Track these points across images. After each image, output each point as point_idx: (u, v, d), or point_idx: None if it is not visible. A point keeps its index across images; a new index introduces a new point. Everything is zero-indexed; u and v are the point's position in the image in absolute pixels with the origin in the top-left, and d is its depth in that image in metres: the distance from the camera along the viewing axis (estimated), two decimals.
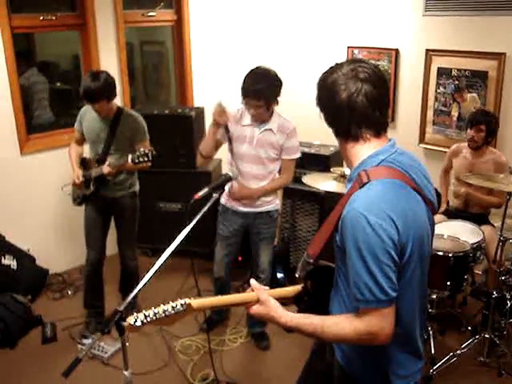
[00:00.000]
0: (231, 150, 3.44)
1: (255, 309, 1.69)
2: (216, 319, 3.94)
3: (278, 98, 3.38)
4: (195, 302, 1.64)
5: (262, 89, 3.20)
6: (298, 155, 3.50)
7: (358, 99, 1.56)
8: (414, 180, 1.59)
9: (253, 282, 1.75)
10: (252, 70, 3.30)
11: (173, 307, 1.61)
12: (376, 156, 1.59)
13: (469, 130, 3.87)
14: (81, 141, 3.84)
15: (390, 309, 1.51)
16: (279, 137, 3.37)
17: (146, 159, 3.43)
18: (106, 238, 3.88)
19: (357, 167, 1.62)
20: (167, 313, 1.60)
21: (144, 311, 1.61)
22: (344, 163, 1.98)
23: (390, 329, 1.52)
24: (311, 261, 1.73)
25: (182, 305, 1.61)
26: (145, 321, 1.59)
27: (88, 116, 3.68)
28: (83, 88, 3.41)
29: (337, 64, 1.66)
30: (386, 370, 1.68)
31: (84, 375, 3.12)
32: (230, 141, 3.41)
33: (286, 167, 3.48)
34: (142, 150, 3.43)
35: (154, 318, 1.60)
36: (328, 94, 1.61)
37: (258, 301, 1.69)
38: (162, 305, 1.62)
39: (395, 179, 1.54)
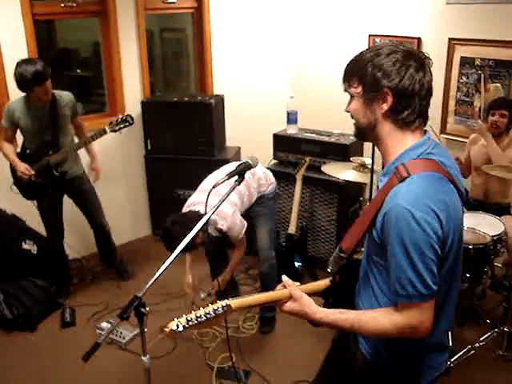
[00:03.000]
0: None
1: (288, 305, 1.68)
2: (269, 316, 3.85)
3: None
4: (234, 303, 1.61)
5: None
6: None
7: (424, 87, 1.55)
8: (449, 172, 1.57)
9: (284, 278, 1.72)
10: None
11: (214, 310, 1.58)
12: (416, 149, 1.57)
13: (490, 117, 3.82)
14: (11, 138, 3.88)
15: (430, 302, 1.51)
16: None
17: (127, 124, 3.71)
18: (62, 219, 4.13)
19: (395, 160, 1.59)
20: (209, 316, 1.57)
21: (185, 315, 1.57)
22: (368, 152, 1.94)
23: (429, 322, 1.52)
24: (344, 255, 1.71)
25: (223, 307, 1.59)
26: (187, 325, 1.56)
27: (20, 109, 3.73)
28: (30, 73, 3.46)
29: (395, 45, 1.59)
30: (413, 362, 1.68)
31: (102, 360, 3.16)
32: None
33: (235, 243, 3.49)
34: (119, 116, 3.72)
35: (196, 321, 1.56)
36: (403, 77, 1.53)
37: (290, 297, 1.67)
38: (201, 308, 1.59)
39: (434, 172, 1.52)
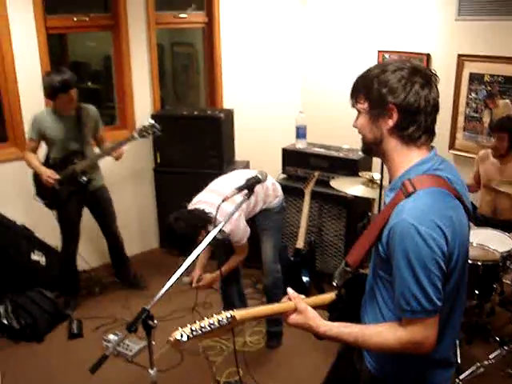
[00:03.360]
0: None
1: (293, 318, 1.68)
2: (277, 331, 3.82)
3: None
4: (239, 314, 1.62)
5: None
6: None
7: (430, 104, 1.56)
8: (456, 188, 1.58)
9: (290, 290, 1.73)
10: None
11: (219, 320, 1.58)
12: (422, 164, 1.58)
13: (493, 139, 3.83)
14: (36, 149, 3.96)
15: (435, 318, 1.51)
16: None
17: (154, 130, 3.76)
18: (80, 229, 4.19)
19: (401, 175, 1.60)
20: (213, 326, 1.58)
21: (190, 325, 1.57)
22: (377, 168, 1.94)
23: (433, 338, 1.52)
24: (350, 269, 1.71)
25: (227, 318, 1.59)
26: (191, 335, 1.56)
27: (47, 120, 3.85)
28: (58, 80, 3.63)
29: (402, 62, 1.61)
30: (417, 377, 1.67)
31: (109, 372, 3.14)
32: None
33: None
34: (147, 122, 3.76)
35: (201, 332, 1.57)
36: (408, 94, 1.55)
37: (295, 310, 1.68)
38: (206, 318, 1.59)
39: (440, 188, 1.53)
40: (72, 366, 3.54)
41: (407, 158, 1.61)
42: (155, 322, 1.82)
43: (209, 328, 1.57)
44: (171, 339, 1.58)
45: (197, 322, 1.59)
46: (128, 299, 4.30)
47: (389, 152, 1.64)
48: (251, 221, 3.56)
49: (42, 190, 3.95)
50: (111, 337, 3.72)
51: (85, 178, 3.93)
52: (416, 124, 1.57)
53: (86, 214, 4.20)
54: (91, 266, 4.68)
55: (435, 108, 1.59)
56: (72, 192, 3.95)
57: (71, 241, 4.14)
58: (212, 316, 1.60)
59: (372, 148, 1.68)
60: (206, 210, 3.08)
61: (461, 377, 3.25)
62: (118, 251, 4.48)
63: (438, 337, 1.54)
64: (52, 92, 3.68)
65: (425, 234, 1.45)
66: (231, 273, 3.68)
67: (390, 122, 1.58)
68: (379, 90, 1.57)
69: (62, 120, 3.85)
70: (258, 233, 3.63)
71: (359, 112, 1.66)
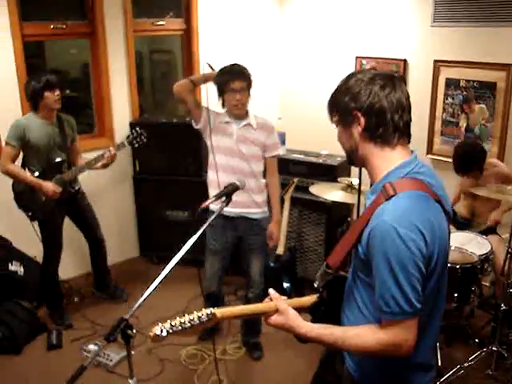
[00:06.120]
0: (211, 146, 3.43)
1: (274, 319, 1.68)
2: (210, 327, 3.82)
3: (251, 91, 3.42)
4: (219, 312, 1.63)
5: (242, 69, 3.35)
6: (281, 152, 3.57)
7: (393, 103, 1.60)
8: (436, 192, 1.60)
9: (271, 291, 1.74)
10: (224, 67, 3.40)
11: (199, 317, 1.60)
12: (402, 168, 1.60)
13: (460, 177, 3.94)
14: (16, 158, 3.73)
15: (414, 320, 1.52)
16: (260, 133, 3.39)
17: (142, 138, 3.85)
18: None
19: (382, 179, 1.61)
20: (193, 322, 1.59)
21: (170, 321, 1.59)
22: (354, 173, 1.96)
23: (413, 341, 1.53)
24: (331, 271, 1.72)
25: (207, 314, 1.60)
26: (170, 331, 1.58)
27: (32, 126, 3.69)
28: (43, 80, 3.60)
29: (365, 71, 1.68)
30: (397, 380, 1.68)
31: (89, 383, 3.11)
32: (209, 134, 3.44)
33: (271, 166, 3.49)
34: (134, 131, 3.83)
35: (180, 327, 1.58)
36: (369, 96, 1.59)
37: (276, 310, 1.68)
38: (186, 314, 1.60)
39: (420, 191, 1.55)
40: (51, 377, 3.49)
41: (385, 161, 1.63)
42: (134, 331, 1.80)
43: (189, 324, 1.59)
44: (151, 334, 1.59)
45: (177, 318, 1.60)
46: (108, 309, 4.26)
47: (366, 157, 1.66)
48: (237, 240, 3.56)
49: (25, 201, 3.82)
50: (91, 347, 3.68)
51: (75, 187, 3.88)
52: (384, 124, 1.60)
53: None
54: (69, 276, 4.62)
55: (402, 107, 1.62)
56: (60, 202, 3.84)
57: (56, 251, 4.03)
58: (192, 313, 1.61)
59: (352, 157, 1.72)
60: None
61: (441, 379, 3.28)
62: (100, 260, 4.39)
63: (418, 340, 1.55)
64: (38, 91, 3.60)
65: (404, 236, 1.46)
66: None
67: (359, 128, 1.62)
68: (343, 99, 1.63)
69: (46, 127, 3.74)
70: (245, 252, 3.60)
71: (336, 126, 1.71)
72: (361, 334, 1.57)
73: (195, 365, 3.61)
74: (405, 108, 1.63)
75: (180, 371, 3.56)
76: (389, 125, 1.60)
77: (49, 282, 4.08)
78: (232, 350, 3.78)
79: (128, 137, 3.93)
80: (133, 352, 1.89)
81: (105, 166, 3.87)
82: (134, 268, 4.98)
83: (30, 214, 3.86)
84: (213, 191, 3.40)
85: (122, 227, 5.07)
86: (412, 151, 1.67)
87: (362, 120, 1.61)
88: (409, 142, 1.68)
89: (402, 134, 1.64)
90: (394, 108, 1.60)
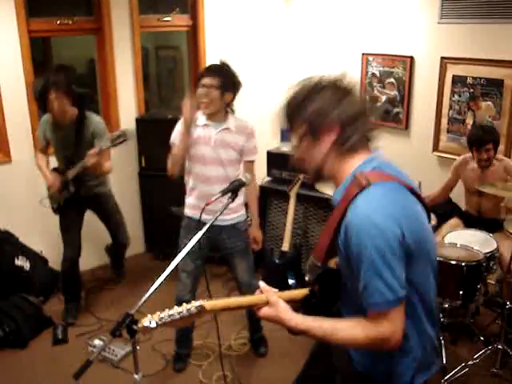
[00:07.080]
0: (189, 155, 3.28)
1: (264, 311, 1.68)
2: (184, 353, 3.60)
3: (234, 98, 3.28)
4: (208, 304, 1.64)
5: (219, 67, 3.24)
6: (255, 157, 3.37)
7: (364, 110, 1.63)
8: (405, 181, 1.62)
9: (262, 283, 1.74)
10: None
11: (188, 309, 1.61)
12: (368, 163, 1.62)
13: (475, 153, 3.82)
14: (46, 150, 3.96)
15: (399, 308, 1.52)
16: (238, 137, 3.23)
17: (122, 139, 3.68)
18: (80, 235, 4.07)
19: (348, 177, 1.63)
20: (181, 314, 1.61)
21: (158, 313, 1.61)
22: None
23: (400, 333, 1.53)
24: (319, 264, 1.73)
25: (196, 307, 1.62)
26: (159, 322, 1.60)
27: (48, 124, 3.82)
28: (47, 79, 3.57)
29: (312, 81, 1.72)
30: (404, 375, 1.69)
31: (94, 377, 3.11)
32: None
33: (248, 170, 3.31)
34: (116, 132, 3.73)
35: (169, 319, 1.61)
36: (328, 107, 1.61)
37: (267, 303, 1.68)
38: (175, 306, 1.62)
39: (392, 181, 1.58)
40: (57, 371, 3.51)
41: (350, 165, 1.64)
42: (139, 326, 1.81)
43: (178, 316, 1.61)
44: (140, 325, 1.61)
45: (166, 309, 1.62)
46: (114, 304, 4.28)
47: (334, 168, 1.67)
48: (216, 244, 3.39)
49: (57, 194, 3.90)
50: (96, 342, 3.69)
51: (72, 188, 3.85)
52: (355, 132, 1.61)
53: (91, 217, 4.23)
54: None
55: (365, 112, 1.66)
56: (67, 199, 3.88)
57: (70, 248, 4.01)
58: (182, 305, 1.63)
59: (320, 172, 1.70)
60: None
61: (446, 377, 3.28)
62: (118, 256, 4.67)
63: (410, 337, 1.56)
64: (41, 91, 3.58)
65: (380, 223, 1.48)
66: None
67: (331, 138, 1.62)
68: (312, 110, 1.62)
69: (58, 128, 3.79)
70: (227, 258, 3.47)
71: (299, 140, 1.69)
72: (349, 327, 1.58)
73: (200, 360, 3.62)
74: (366, 111, 1.66)
75: (184, 366, 3.56)
76: (359, 131, 1.62)
77: (65, 275, 4.10)
78: (237, 346, 3.79)
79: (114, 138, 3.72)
80: (138, 347, 1.90)
81: (94, 165, 3.70)
82: (140, 264, 4.99)
83: (54, 206, 4.00)
84: (187, 198, 3.41)
85: (127, 223, 5.05)
86: (372, 150, 1.69)
87: (336, 130, 1.61)
88: (368, 142, 1.69)
89: (367, 139, 1.66)
90: (362, 113, 1.63)
